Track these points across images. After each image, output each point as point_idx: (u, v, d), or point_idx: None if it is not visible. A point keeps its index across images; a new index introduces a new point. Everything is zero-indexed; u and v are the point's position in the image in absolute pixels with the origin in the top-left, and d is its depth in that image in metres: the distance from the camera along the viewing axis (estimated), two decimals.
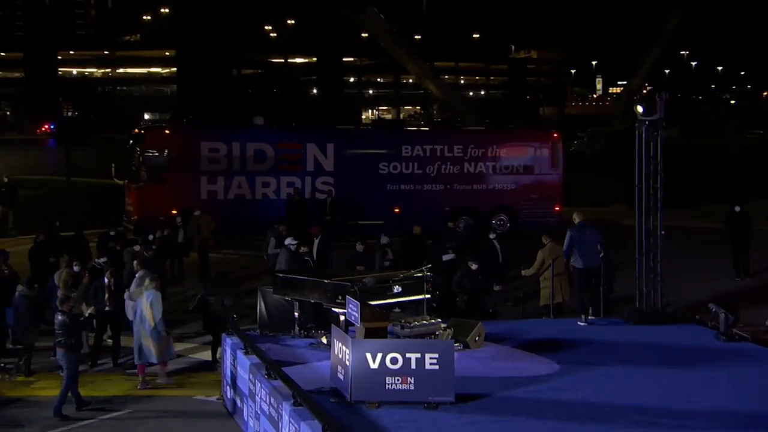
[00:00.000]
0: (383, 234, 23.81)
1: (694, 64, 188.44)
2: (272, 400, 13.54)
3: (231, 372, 16.33)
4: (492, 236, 24.21)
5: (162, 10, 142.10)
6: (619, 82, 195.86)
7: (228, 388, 16.50)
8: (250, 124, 35.94)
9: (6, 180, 37.62)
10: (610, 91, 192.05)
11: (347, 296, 14.78)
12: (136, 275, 18.97)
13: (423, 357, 13.10)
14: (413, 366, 13.05)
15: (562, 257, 19.89)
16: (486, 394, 13.68)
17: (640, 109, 18.94)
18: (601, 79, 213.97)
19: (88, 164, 48.53)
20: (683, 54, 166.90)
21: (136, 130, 35.33)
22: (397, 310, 16.97)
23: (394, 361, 13.06)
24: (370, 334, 13.86)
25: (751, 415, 13.01)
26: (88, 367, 18.64)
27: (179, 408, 16.82)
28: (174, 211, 29.88)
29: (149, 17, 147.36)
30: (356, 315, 14.14)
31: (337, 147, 34.32)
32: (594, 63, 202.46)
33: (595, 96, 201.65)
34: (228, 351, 16.65)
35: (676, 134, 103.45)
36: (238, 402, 15.72)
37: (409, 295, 16.30)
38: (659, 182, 18.37)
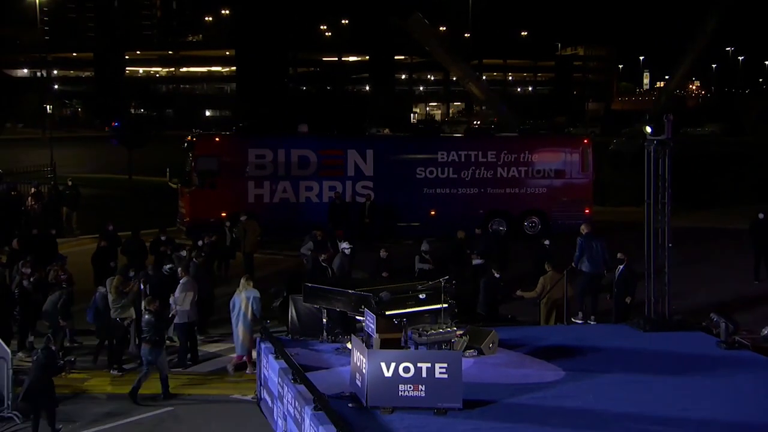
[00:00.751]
0: (425, 241, 23.93)
1: (741, 59, 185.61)
2: (296, 403, 13.90)
3: (264, 374, 16.66)
4: (546, 242, 24.30)
5: (223, 11, 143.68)
6: (666, 77, 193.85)
7: (261, 388, 16.80)
8: (294, 132, 36.29)
9: (70, 183, 37.55)
10: (657, 86, 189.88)
11: (365, 309, 15.31)
12: (180, 281, 19.37)
13: (433, 366, 13.47)
14: (424, 375, 13.41)
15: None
16: (493, 401, 13.97)
17: (648, 129, 18.98)
18: (648, 74, 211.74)
19: (151, 162, 48.80)
20: (729, 50, 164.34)
21: (189, 138, 35.77)
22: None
23: (406, 370, 13.43)
24: (385, 344, 14.32)
25: (740, 423, 13.17)
26: (137, 365, 18.82)
27: (217, 406, 17.26)
28: (223, 214, 30.27)
29: (211, 18, 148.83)
30: (372, 326, 14.61)
31: (376, 153, 34.43)
32: (641, 58, 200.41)
33: (642, 90, 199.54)
34: (262, 354, 16.95)
35: (719, 131, 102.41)
36: (270, 402, 16.03)
37: (428, 305, 16.35)
38: (667, 198, 18.57)
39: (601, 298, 22.18)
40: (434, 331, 15.89)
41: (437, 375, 13.52)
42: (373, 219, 32.32)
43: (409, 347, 15.32)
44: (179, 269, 20.32)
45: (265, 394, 16.62)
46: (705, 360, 16.45)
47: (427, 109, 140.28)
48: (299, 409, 13.78)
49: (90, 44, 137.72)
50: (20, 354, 19.42)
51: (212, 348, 20.77)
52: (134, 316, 19.38)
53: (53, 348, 16.42)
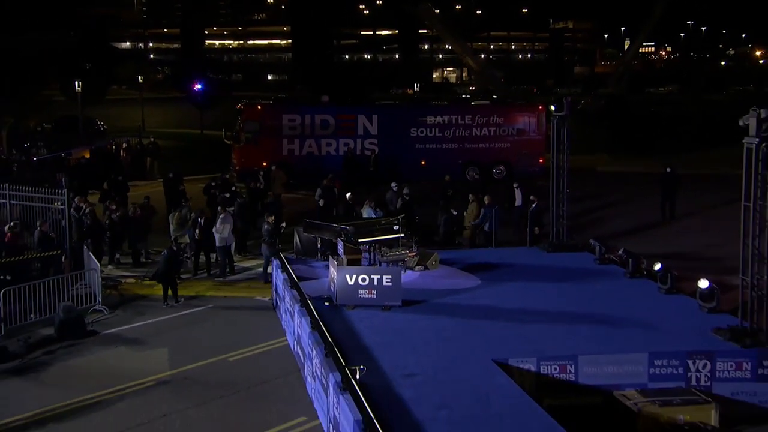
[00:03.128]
0: (405, 186, 24.09)
1: (704, 29, 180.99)
2: (291, 302, 15.53)
3: (275, 282, 18.13)
4: (515, 185, 24.44)
5: None
6: (645, 44, 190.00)
7: (273, 292, 18.27)
8: (317, 101, 36.21)
9: (152, 139, 38.49)
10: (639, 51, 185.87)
11: (337, 237, 17.21)
12: (220, 216, 20.26)
13: (382, 278, 15.22)
14: (375, 283, 15.15)
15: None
16: (425, 300, 15.66)
17: (553, 107, 19.43)
18: (629, 41, 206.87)
19: (222, 119, 48.58)
20: (690, 23, 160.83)
21: (239, 105, 35.97)
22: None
23: (363, 280, 15.17)
24: (350, 262, 15.97)
25: (599, 314, 14.62)
26: (191, 275, 20.44)
27: (245, 303, 18.68)
28: (264, 164, 30.65)
29: (272, 0, 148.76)
30: (342, 250, 16.54)
31: (380, 117, 34.60)
32: (623, 29, 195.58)
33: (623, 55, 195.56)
34: (275, 268, 18.25)
35: (676, 90, 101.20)
36: (278, 300, 17.63)
37: (388, 234, 17.68)
38: (566, 157, 19.30)
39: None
40: (392, 253, 17.49)
41: (384, 283, 15.18)
42: (377, 168, 32.53)
43: (376, 264, 16.76)
44: (218, 207, 21.11)
45: (275, 297, 18.03)
46: (584, 271, 17.74)
47: (445, 73, 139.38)
48: (292, 307, 15.39)
49: (177, 22, 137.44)
50: (110, 266, 20.97)
51: (247, 263, 21.72)
52: (188, 241, 20.90)
53: (174, 248, 18.75)
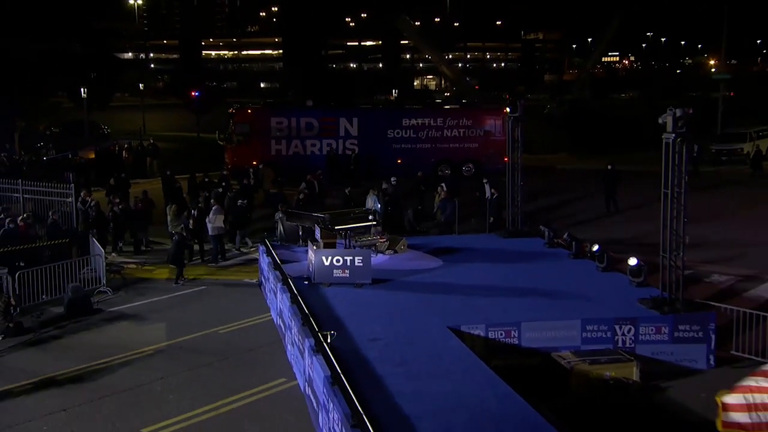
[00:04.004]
0: (383, 182, 24.80)
1: (663, 40, 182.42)
2: (275, 282, 16.20)
3: (261, 265, 18.83)
4: (485, 180, 24.74)
5: (273, 8, 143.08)
6: (610, 53, 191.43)
7: (261, 275, 18.90)
8: (302, 105, 36.61)
9: (151, 141, 38.72)
10: (603, 60, 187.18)
11: (315, 224, 17.96)
12: (213, 208, 20.95)
13: (354, 259, 15.87)
14: (348, 264, 15.78)
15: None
16: (392, 279, 16.35)
17: (508, 109, 20.21)
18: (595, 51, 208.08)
19: (216, 123, 49.10)
20: (650, 35, 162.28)
21: (231, 109, 36.31)
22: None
23: (338, 260, 15.81)
24: (326, 246, 16.46)
25: (543, 289, 15.39)
26: (187, 261, 20.56)
27: (235, 284, 19.34)
28: (254, 163, 31.28)
29: (264, 14, 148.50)
30: (319, 235, 17.28)
31: (360, 120, 34.92)
32: (589, 39, 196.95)
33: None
34: (261, 253, 19.01)
35: (636, 96, 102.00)
36: (264, 281, 18.24)
37: (361, 222, 18.75)
38: (519, 153, 20.22)
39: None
40: (366, 239, 18.39)
41: (356, 263, 15.85)
42: (357, 166, 33.03)
43: (352, 247, 17.45)
44: (212, 200, 21.71)
45: (262, 278, 18.67)
46: (534, 254, 18.49)
47: (425, 80, 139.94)
48: (275, 285, 16.05)
49: (176, 34, 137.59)
50: (113, 254, 21.54)
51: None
52: (183, 233, 20.99)
53: (184, 234, 19.58)
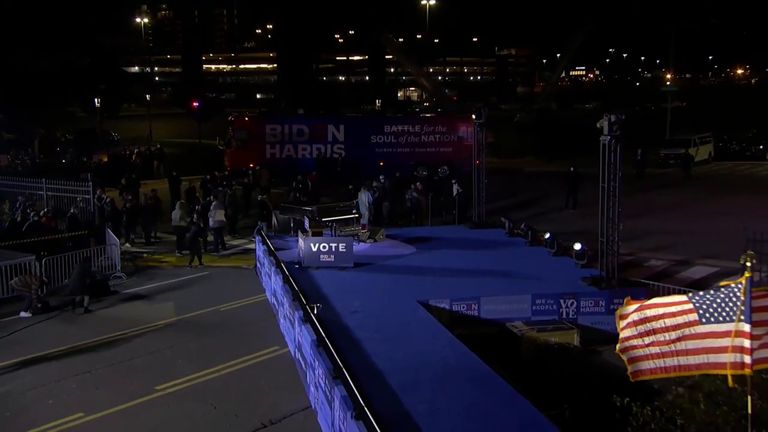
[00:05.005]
0: (373, 180, 25.59)
1: (625, 55, 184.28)
2: (270, 266, 16.91)
3: (257, 253, 19.55)
4: (454, 181, 25.65)
5: (268, 26, 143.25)
6: (577, 67, 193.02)
7: (257, 262, 19.58)
8: (294, 114, 36.99)
9: (158, 146, 39.36)
10: (570, 74, 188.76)
11: (305, 216, 18.87)
12: (213, 203, 21.74)
13: (338, 245, 16.74)
14: (333, 250, 16.64)
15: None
16: (371, 263, 17.24)
17: (474, 116, 21.13)
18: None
19: (216, 130, 49.69)
20: (612, 51, 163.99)
21: (230, 117, 36.36)
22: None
23: (324, 247, 16.67)
24: (314, 234, 17.46)
25: (503, 270, 16.43)
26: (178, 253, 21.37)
27: (233, 271, 20.01)
28: (251, 165, 31.64)
29: (260, 31, 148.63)
30: (307, 225, 18.22)
31: (346, 126, 35.38)
32: (558, 55, 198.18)
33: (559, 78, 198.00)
34: (257, 243, 19.75)
35: (599, 107, 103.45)
36: (260, 267, 18.98)
37: (346, 215, 19.54)
38: (483, 155, 21.23)
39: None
40: (349, 228, 19.31)
41: (340, 250, 16.72)
42: (344, 168, 33.39)
43: (337, 236, 18.24)
44: (211, 196, 22.57)
45: (258, 264, 19.42)
46: (495, 242, 19.49)
47: (408, 92, 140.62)
48: (270, 269, 16.84)
49: (179, 49, 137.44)
50: (126, 244, 22.23)
51: (235, 242, 23.22)
52: (200, 224, 21.47)
53: (201, 225, 20.46)
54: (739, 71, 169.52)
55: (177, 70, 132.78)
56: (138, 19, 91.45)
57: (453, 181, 25.75)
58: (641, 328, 7.13)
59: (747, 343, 6.43)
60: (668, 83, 58.49)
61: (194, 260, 20.27)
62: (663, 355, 7.44)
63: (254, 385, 12.51)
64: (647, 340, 7.28)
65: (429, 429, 9.09)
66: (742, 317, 6.48)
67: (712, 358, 6.80)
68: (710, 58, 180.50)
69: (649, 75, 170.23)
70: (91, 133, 44.62)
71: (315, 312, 12.96)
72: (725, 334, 6.65)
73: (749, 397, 6.69)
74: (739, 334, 6.50)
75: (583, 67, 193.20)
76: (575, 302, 14.61)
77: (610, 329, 14.36)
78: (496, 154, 42.53)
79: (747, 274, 6.50)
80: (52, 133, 41.20)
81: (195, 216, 21.37)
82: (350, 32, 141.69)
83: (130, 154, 37.14)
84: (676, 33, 49.01)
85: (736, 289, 6.57)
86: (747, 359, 6.45)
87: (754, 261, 6.55)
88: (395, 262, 17.64)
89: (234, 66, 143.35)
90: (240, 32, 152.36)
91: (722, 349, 6.62)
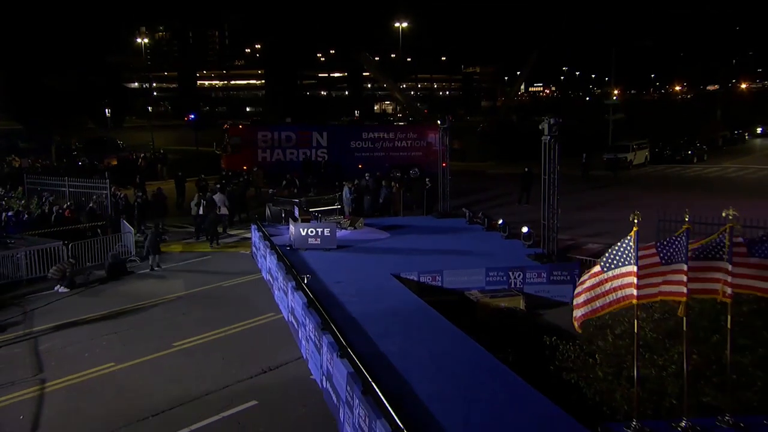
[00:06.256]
0: (354, 180, 26.56)
1: (578, 73, 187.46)
2: (264, 249, 18.00)
3: (253, 239, 20.44)
4: (427, 179, 26.10)
5: (257, 46, 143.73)
6: (536, 84, 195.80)
7: (253, 247, 20.49)
8: (283, 122, 37.92)
9: (162, 151, 40.20)
10: (529, 89, 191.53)
11: (295, 206, 19.98)
12: (215, 196, 22.86)
13: (323, 230, 17.80)
14: (319, 234, 17.70)
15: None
16: (352, 246, 18.24)
17: (439, 122, 22.30)
18: (524, 83, 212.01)
19: (211, 139, 50.62)
20: (565, 69, 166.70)
21: (225, 126, 37.55)
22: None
23: (312, 231, 17.71)
24: (303, 221, 18.54)
25: (460, 249, 17.48)
26: (196, 238, 22.63)
27: (233, 255, 20.80)
28: (245, 167, 32.82)
29: (249, 50, 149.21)
30: (297, 213, 19.29)
31: (329, 134, 36.45)
32: (518, 72, 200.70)
33: (520, 93, 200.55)
34: (253, 231, 20.70)
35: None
36: (256, 251, 19.90)
37: (329, 206, 21.02)
38: (448, 155, 22.37)
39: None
40: (332, 218, 20.64)
41: (325, 234, 17.77)
42: (326, 170, 34.30)
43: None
44: (208, 193, 23.51)
45: (254, 249, 20.34)
46: (457, 228, 20.58)
47: (383, 105, 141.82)
48: (265, 251, 17.89)
49: (175, 66, 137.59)
50: (138, 234, 22.43)
51: (233, 232, 23.88)
52: (218, 212, 22.62)
53: (219, 213, 21.39)
54: (677, 87, 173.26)
55: (173, 85, 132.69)
56: (138, 40, 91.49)
57: (426, 179, 26.74)
58: (582, 290, 8.29)
59: (635, 280, 7.79)
60: (614, 98, 60.33)
61: (214, 242, 21.39)
62: (589, 301, 8.57)
63: (254, 342, 13.66)
64: (583, 297, 8.39)
65: (399, 363, 10.34)
66: (633, 261, 7.85)
67: (620, 293, 8.07)
68: (652, 76, 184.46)
69: (598, 91, 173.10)
70: (100, 141, 45.31)
71: (305, 281, 14.17)
72: (627, 274, 7.97)
73: (635, 321, 8.03)
74: (631, 273, 7.86)
75: (541, 84, 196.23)
76: (522, 274, 15.88)
77: (550, 296, 15.86)
78: (462, 158, 44.28)
79: (635, 228, 7.86)
80: (66, 141, 41.84)
81: (200, 207, 22.29)
82: (331, 51, 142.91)
83: (137, 159, 37.86)
84: (616, 54, 50.86)
85: (629, 240, 7.94)
86: (634, 292, 7.80)
87: (639, 218, 7.91)
88: (372, 245, 18.74)
89: (225, 82, 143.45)
90: (231, 51, 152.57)
91: (627, 285, 7.91)
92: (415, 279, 15.62)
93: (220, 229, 22.47)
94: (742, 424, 7.60)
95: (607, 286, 8.18)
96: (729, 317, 7.81)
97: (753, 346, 8.92)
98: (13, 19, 34.21)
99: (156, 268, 19.07)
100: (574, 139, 51.01)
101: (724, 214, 7.75)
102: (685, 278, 7.72)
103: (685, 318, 7.86)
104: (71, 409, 10.67)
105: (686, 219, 7.71)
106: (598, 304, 8.32)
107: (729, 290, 7.71)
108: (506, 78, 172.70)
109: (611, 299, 8.18)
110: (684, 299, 7.73)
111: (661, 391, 8.98)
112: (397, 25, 69.64)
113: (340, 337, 10.83)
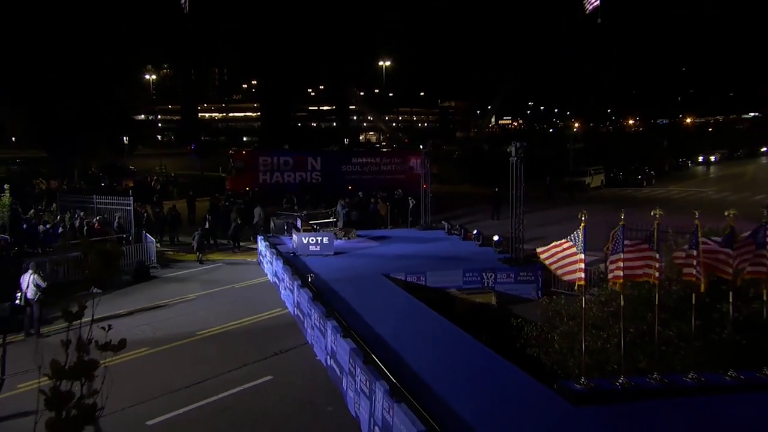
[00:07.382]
0: (347, 197, 27.75)
1: (542, 108, 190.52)
2: (271, 256, 18.95)
3: (260, 249, 21.41)
4: (410, 197, 26.23)
5: (253, 82, 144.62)
6: (505, 117, 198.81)
7: (259, 255, 21.39)
8: (281, 149, 39.37)
9: (173, 174, 41.47)
10: (499, 122, 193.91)
11: (298, 219, 21.01)
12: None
13: (323, 239, 18.86)
14: (319, 242, 18.76)
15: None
16: (347, 252, 19.39)
17: (422, 146, 23.67)
18: (494, 116, 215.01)
19: (214, 164, 51.06)
20: (531, 103, 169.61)
21: (230, 151, 38.17)
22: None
23: (312, 240, 18.78)
24: (304, 230, 19.61)
25: (441, 254, 18.54)
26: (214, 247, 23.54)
27: (243, 263, 21.67)
28: (247, 188, 33.51)
29: (246, 86, 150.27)
30: (299, 224, 20.29)
31: (322, 159, 37.30)
32: (489, 107, 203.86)
33: (491, 125, 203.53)
34: (259, 241, 21.67)
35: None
36: (262, 259, 20.79)
37: (326, 219, 22.00)
38: (428, 176, 23.70)
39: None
40: (329, 228, 21.63)
41: (324, 242, 18.82)
42: (320, 191, 34.67)
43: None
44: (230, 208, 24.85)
45: (260, 257, 21.27)
46: (438, 238, 21.72)
47: (368, 135, 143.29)
48: (271, 258, 18.84)
49: (179, 101, 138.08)
50: (157, 245, 23.13)
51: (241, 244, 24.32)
52: (238, 221, 23.69)
53: (239, 222, 22.40)
54: (630, 121, 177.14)
55: (177, 117, 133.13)
56: (147, 76, 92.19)
57: (409, 198, 27.55)
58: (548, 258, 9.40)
59: (582, 265, 9.01)
60: (575, 129, 62.27)
61: (237, 246, 22.69)
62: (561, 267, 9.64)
63: (266, 332, 14.64)
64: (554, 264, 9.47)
65: (393, 343, 11.42)
66: (582, 248, 9.07)
67: (578, 274, 9.24)
68: (609, 110, 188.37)
69: (561, 123, 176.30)
70: (114, 167, 46.06)
71: (310, 280, 15.23)
72: (579, 260, 9.17)
73: (583, 299, 9.22)
74: (582, 260, 9.07)
75: (510, 117, 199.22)
76: (494, 275, 17.04)
77: (518, 294, 17.00)
78: (440, 181, 44.82)
79: (583, 224, 9.09)
80: (87, 166, 42.61)
81: (207, 223, 23.19)
82: (320, 86, 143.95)
83: (151, 181, 38.68)
84: (576, 92, 52.72)
85: (580, 232, 9.18)
86: (582, 275, 9.01)
87: (586, 216, 9.15)
88: (365, 251, 19.86)
89: (224, 114, 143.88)
90: (229, 87, 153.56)
91: (579, 270, 9.10)
92: (403, 278, 16.68)
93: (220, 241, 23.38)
94: (666, 380, 8.78)
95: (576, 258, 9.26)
96: (657, 296, 9.03)
97: (678, 323, 10.14)
98: (34, 60, 35.34)
99: (200, 263, 21.13)
100: (539, 165, 52.92)
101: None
102: (622, 264, 8.95)
103: (622, 297, 9.07)
104: (118, 381, 11.52)
105: (622, 218, 8.93)
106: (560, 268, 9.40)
107: (657, 274, 8.95)
108: (478, 111, 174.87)
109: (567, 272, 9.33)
110: (621, 281, 8.95)
111: (605, 360, 10.16)
112: (381, 63, 71.27)
113: (343, 321, 11.90)
